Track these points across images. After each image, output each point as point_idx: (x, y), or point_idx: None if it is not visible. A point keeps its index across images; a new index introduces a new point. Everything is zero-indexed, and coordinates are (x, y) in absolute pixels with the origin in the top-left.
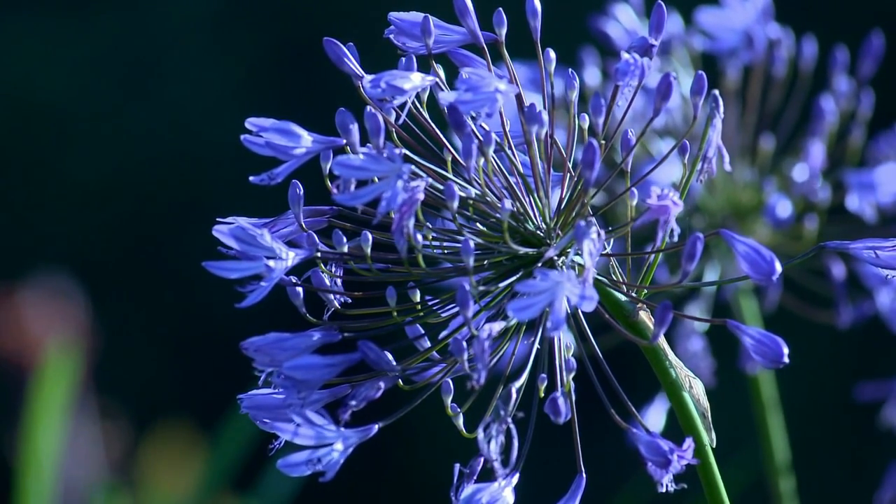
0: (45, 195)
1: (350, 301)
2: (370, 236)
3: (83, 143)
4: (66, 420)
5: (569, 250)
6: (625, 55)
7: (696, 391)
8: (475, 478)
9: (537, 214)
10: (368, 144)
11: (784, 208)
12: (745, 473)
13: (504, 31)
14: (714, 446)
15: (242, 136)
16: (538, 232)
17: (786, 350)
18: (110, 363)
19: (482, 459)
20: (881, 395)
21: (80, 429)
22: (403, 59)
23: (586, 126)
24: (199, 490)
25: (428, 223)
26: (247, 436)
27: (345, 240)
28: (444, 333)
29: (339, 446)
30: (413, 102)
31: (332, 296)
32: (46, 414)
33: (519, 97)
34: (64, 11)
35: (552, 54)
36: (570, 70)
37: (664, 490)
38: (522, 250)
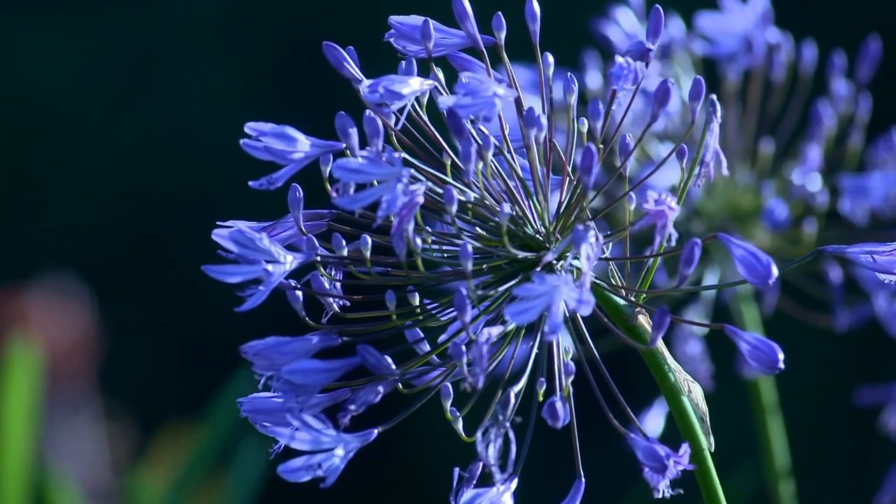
0: (50, 195)
1: (349, 305)
2: (369, 240)
3: (88, 143)
4: (36, 419)
5: (567, 254)
6: (619, 59)
7: (694, 395)
8: (475, 482)
9: (536, 218)
10: (369, 148)
11: (780, 211)
12: (751, 482)
13: (503, 35)
14: (713, 451)
15: (242, 141)
16: (537, 236)
17: (781, 356)
18: (116, 363)
19: (481, 464)
20: (881, 399)
21: (85, 429)
22: (403, 62)
23: (585, 130)
24: (182, 474)
25: (427, 227)
26: (231, 421)
27: (344, 243)
28: (443, 337)
29: (339, 452)
30: (413, 106)
31: (331, 299)
32: (14, 414)
33: (518, 101)
34: (67, 11)
35: (550, 58)
36: (568, 74)
37: (661, 496)
38: (521, 254)
